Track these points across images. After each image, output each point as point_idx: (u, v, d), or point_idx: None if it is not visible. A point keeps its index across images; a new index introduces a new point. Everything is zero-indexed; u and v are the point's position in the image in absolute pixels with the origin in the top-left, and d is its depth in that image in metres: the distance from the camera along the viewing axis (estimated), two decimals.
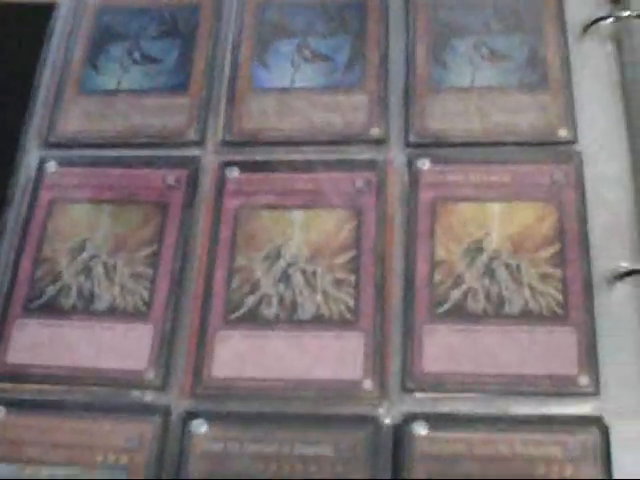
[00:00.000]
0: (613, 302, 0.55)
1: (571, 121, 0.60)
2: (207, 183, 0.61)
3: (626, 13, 0.64)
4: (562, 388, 0.53)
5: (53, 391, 0.56)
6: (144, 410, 0.55)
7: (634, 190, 0.58)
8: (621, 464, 0.50)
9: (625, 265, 0.55)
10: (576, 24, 0.65)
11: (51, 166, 0.63)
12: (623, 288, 0.55)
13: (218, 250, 0.59)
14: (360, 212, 0.59)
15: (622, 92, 0.62)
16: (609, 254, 0.56)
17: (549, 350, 0.54)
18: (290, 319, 0.56)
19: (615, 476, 0.50)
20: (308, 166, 0.61)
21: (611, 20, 0.64)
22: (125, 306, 0.57)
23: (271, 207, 0.60)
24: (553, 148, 0.60)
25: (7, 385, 0.57)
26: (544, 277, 0.55)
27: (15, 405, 0.56)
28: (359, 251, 0.58)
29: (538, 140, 0.60)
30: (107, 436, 0.54)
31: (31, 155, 0.64)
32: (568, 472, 0.50)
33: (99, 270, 0.59)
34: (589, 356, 0.53)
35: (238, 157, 0.62)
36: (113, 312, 0.57)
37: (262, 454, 0.53)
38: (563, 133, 0.60)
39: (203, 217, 0.60)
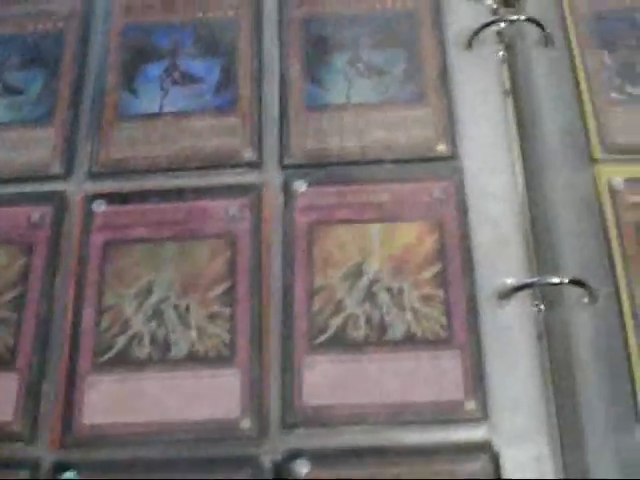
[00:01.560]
0: (500, 321, 0.53)
1: (450, 136, 0.58)
2: (73, 218, 0.58)
3: (515, 17, 0.62)
4: (449, 414, 0.51)
5: None
6: (14, 464, 0.52)
7: (519, 204, 0.57)
8: None
9: (510, 282, 0.53)
10: (461, 34, 0.63)
11: None
12: (510, 306, 0.53)
13: (86, 288, 0.55)
14: (234, 240, 0.56)
15: (512, 101, 0.61)
16: (494, 272, 0.54)
17: (434, 375, 0.51)
18: (164, 358, 0.53)
19: None
20: (180, 194, 0.58)
21: (501, 25, 0.62)
22: None
23: (141, 240, 0.57)
24: (432, 164, 0.58)
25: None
26: (427, 299, 0.53)
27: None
28: (234, 281, 0.55)
29: (417, 156, 0.58)
30: None
31: None
32: None
33: None
34: (475, 380, 0.51)
35: (106, 189, 0.59)
36: None
37: None
38: (442, 148, 0.58)
39: (70, 255, 0.57)
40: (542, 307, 0.53)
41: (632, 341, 0.51)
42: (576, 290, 0.53)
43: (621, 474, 0.49)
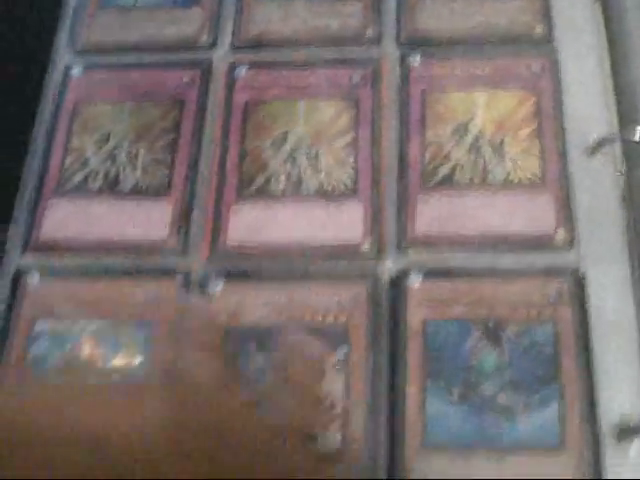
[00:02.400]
0: (589, 170, 0.61)
1: (547, 19, 0.67)
2: (218, 81, 0.68)
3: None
4: (541, 243, 0.59)
5: (82, 258, 0.62)
6: (166, 272, 0.61)
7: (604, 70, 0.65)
8: (596, 309, 0.57)
9: (596, 137, 0.62)
10: None
11: (77, 72, 0.69)
12: (597, 158, 0.61)
13: (230, 135, 0.65)
14: (357, 103, 0.65)
15: None
16: (584, 128, 0.63)
17: (530, 212, 0.60)
18: (296, 192, 0.62)
19: (592, 320, 0.56)
20: (306, 65, 0.67)
21: None
22: (148, 186, 0.64)
23: (275, 99, 0.66)
24: (530, 44, 0.66)
25: (41, 255, 0.63)
26: (524, 151, 0.62)
27: (47, 272, 0.62)
28: (356, 134, 0.64)
29: (516, 36, 0.67)
30: (132, 294, 0.60)
31: (59, 62, 0.71)
32: (547, 314, 0.57)
33: (123, 157, 0.65)
34: (566, 215, 0.59)
35: (246, 58, 0.68)
36: (138, 192, 0.64)
37: (275, 305, 0.59)
38: (539, 30, 0.66)
39: (215, 110, 0.66)
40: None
41: None
42: None
43: None
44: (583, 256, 0.58)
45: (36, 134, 0.68)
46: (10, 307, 0.61)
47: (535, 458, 0.53)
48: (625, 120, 0.63)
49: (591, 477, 0.52)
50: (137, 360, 0.58)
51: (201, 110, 0.66)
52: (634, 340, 0.56)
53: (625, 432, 0.53)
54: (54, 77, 0.70)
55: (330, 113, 0.65)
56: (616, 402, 0.54)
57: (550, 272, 0.58)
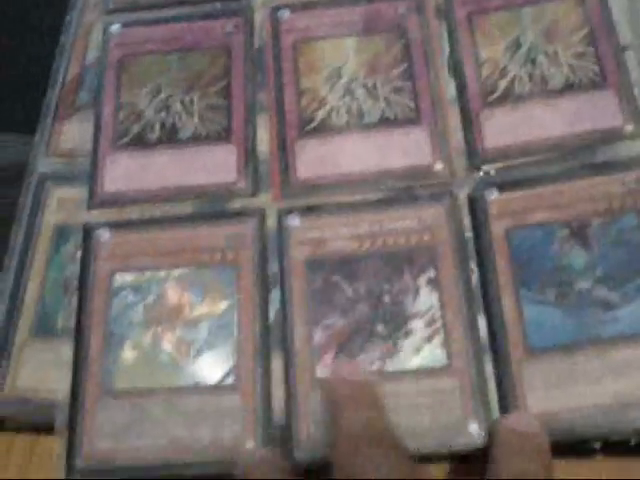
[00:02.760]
0: None
1: None
2: (263, 26, 0.68)
3: None
4: (612, 137, 0.59)
5: (150, 210, 0.62)
6: (240, 214, 0.61)
7: None
8: None
9: None
10: None
11: (116, 28, 0.69)
12: None
13: (283, 76, 0.65)
14: (405, 33, 0.66)
15: None
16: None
17: (593, 111, 0.60)
18: (359, 124, 0.62)
19: None
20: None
21: None
22: (207, 132, 0.63)
23: (323, 38, 0.66)
24: None
25: (108, 210, 0.62)
26: (579, 56, 0.62)
27: (118, 226, 0.61)
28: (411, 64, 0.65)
29: None
30: (210, 238, 0.60)
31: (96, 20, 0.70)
32: (629, 203, 0.57)
33: (177, 106, 0.64)
34: (631, 108, 0.60)
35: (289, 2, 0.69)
36: (197, 139, 0.63)
37: (355, 235, 0.59)
38: None
39: (264, 53, 0.67)
40: None
41: None
42: None
43: None
44: None
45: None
46: (85, 265, 0.60)
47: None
48: None
49: None
50: (224, 305, 0.58)
51: (248, 55, 0.66)
52: None
53: None
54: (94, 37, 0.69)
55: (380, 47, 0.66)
56: None
57: (626, 162, 0.58)
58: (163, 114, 0.65)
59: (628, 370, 0.53)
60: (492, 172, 0.60)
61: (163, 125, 0.64)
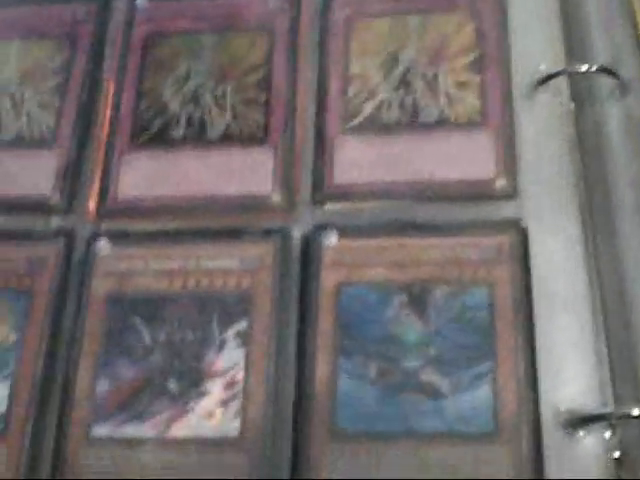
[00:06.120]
0: (535, 108, 0.53)
1: None
2: (117, 13, 0.59)
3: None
4: (480, 192, 0.51)
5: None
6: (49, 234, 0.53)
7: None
8: (539, 263, 0.48)
9: (543, 69, 0.53)
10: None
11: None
12: (543, 94, 0.53)
13: (126, 75, 0.57)
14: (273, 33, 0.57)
15: None
16: (528, 61, 0.54)
17: (467, 155, 0.51)
18: (199, 138, 0.54)
19: (533, 274, 0.48)
20: None
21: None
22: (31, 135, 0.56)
23: (182, 33, 0.58)
24: None
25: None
26: (462, 85, 0.53)
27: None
28: (268, 71, 0.56)
29: None
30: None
31: None
32: (481, 274, 0.48)
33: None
34: (507, 160, 0.51)
35: None
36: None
37: (167, 270, 0.51)
38: None
39: (113, 47, 0.58)
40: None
41: None
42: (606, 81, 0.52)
43: None
44: (526, 207, 0.50)
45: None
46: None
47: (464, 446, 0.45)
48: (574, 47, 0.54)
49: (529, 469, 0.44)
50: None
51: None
52: (584, 307, 0.47)
53: (573, 421, 0.45)
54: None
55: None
56: (562, 384, 0.46)
57: (487, 225, 0.50)
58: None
59: (439, 470, 0.44)
60: (336, 212, 0.51)
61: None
